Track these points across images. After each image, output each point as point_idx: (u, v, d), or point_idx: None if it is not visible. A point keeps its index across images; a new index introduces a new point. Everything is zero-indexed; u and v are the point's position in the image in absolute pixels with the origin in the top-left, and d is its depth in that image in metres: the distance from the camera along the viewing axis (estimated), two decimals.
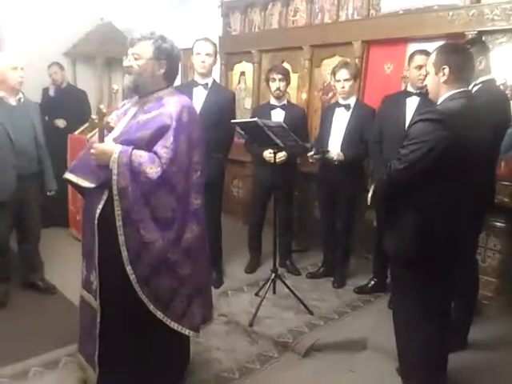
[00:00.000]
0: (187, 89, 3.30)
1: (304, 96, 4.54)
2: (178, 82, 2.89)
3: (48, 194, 3.34)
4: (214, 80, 3.48)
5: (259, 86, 4.97)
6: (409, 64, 3.13)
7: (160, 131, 1.97)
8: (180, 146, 1.99)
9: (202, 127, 2.18)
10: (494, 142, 2.27)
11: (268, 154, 3.41)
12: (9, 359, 2.49)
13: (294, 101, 4.44)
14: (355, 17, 4.10)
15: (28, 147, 3.12)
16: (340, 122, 3.46)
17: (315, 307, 3.24)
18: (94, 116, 2.08)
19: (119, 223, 1.93)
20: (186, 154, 2.02)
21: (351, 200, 3.52)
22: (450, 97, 1.99)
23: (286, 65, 4.47)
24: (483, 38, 3.15)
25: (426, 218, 1.97)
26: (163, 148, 1.95)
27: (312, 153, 3.37)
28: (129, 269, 1.95)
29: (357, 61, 3.99)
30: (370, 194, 2.20)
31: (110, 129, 2.09)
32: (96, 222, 2.03)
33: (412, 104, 3.09)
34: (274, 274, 3.28)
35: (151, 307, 2.00)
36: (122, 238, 1.94)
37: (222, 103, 3.36)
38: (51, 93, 5.00)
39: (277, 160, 3.29)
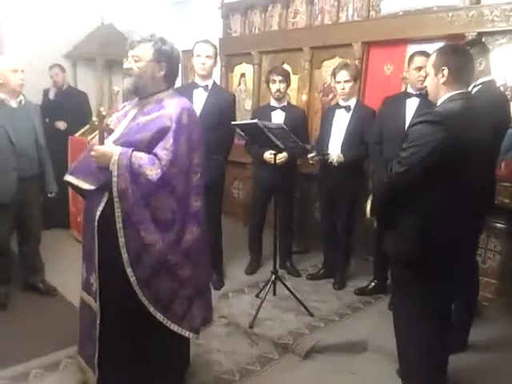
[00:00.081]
0: (187, 90, 3.31)
1: (304, 97, 4.55)
2: (178, 83, 2.90)
3: (49, 195, 3.35)
4: (214, 82, 3.48)
5: (259, 87, 4.97)
6: (408, 65, 3.13)
7: (160, 133, 1.98)
8: (180, 148, 1.99)
9: (202, 129, 2.19)
10: (493, 143, 2.27)
11: (268, 155, 3.41)
12: (9, 361, 2.50)
13: (294, 102, 4.44)
14: (355, 18, 4.10)
15: (29, 149, 3.12)
16: (340, 124, 3.46)
17: (315, 309, 3.24)
18: (94, 118, 2.08)
19: (119, 225, 1.94)
20: (186, 156, 2.02)
21: (352, 201, 3.52)
22: (450, 98, 1.99)
23: (286, 66, 4.47)
24: (483, 39, 3.15)
25: (426, 220, 1.97)
26: (163, 150, 1.95)
27: (312, 154, 3.37)
28: (129, 271, 1.95)
29: (357, 62, 3.99)
30: (368, 207, 2.18)
31: (110, 131, 2.09)
32: (96, 224, 2.04)
33: (412, 105, 3.09)
34: (274, 276, 3.28)
35: (151, 309, 2.01)
36: (122, 240, 1.94)
37: (223, 105, 3.37)
38: (51, 96, 4.99)
39: (277, 161, 3.29)
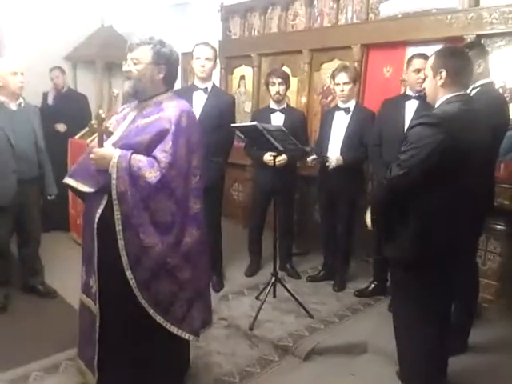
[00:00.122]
0: (187, 93, 3.31)
1: (303, 100, 4.55)
2: (177, 86, 2.91)
3: (48, 198, 3.35)
4: (213, 84, 3.49)
5: (259, 89, 4.97)
6: (407, 67, 3.14)
7: (159, 135, 1.98)
8: (179, 151, 1.99)
9: (202, 131, 2.19)
10: (492, 145, 2.27)
11: (268, 156, 3.42)
12: (9, 364, 2.49)
13: (293, 104, 4.44)
14: (354, 20, 4.11)
15: (28, 152, 3.13)
16: (340, 126, 3.46)
17: (315, 311, 3.23)
18: (93, 121, 2.08)
19: (119, 228, 1.94)
20: (185, 159, 2.03)
21: (351, 203, 3.52)
22: (448, 100, 2.00)
23: (285, 68, 4.47)
24: (482, 42, 3.16)
25: (425, 222, 1.97)
26: (162, 152, 1.96)
27: (312, 158, 3.38)
28: (129, 273, 1.95)
29: (356, 64, 3.99)
30: (368, 218, 2.17)
31: (109, 134, 2.10)
32: (95, 226, 2.04)
33: (411, 107, 3.10)
34: (274, 278, 3.28)
35: (151, 312, 2.01)
36: (121, 243, 1.94)
37: (222, 107, 3.37)
38: (50, 100, 4.96)
39: (276, 163, 3.30)
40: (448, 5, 3.43)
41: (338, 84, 3.40)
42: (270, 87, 3.66)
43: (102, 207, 2.03)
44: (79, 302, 2.31)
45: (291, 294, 3.26)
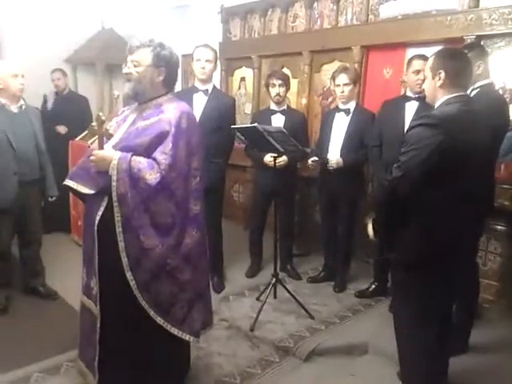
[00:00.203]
0: (187, 95, 3.32)
1: (304, 101, 4.56)
2: (178, 87, 2.92)
3: (49, 199, 3.36)
4: (214, 86, 3.50)
5: (259, 91, 4.98)
6: (407, 69, 3.14)
7: (159, 137, 1.99)
8: (179, 152, 2.00)
9: (202, 133, 2.20)
10: (492, 146, 2.27)
11: (269, 157, 3.42)
12: (10, 365, 2.50)
13: (293, 106, 4.45)
14: (354, 22, 4.12)
15: (29, 154, 3.14)
16: (340, 127, 3.47)
17: (316, 311, 3.24)
18: (93, 123, 2.09)
19: (119, 229, 1.94)
20: (185, 160, 2.03)
21: (352, 204, 3.53)
22: (447, 101, 2.00)
23: (285, 70, 4.48)
24: (482, 43, 3.16)
25: (426, 223, 1.97)
26: (162, 154, 1.96)
27: (312, 160, 3.38)
28: (129, 275, 1.96)
29: (356, 66, 4.00)
30: (369, 229, 2.16)
31: (110, 136, 2.10)
32: (96, 228, 2.05)
33: (411, 108, 3.10)
34: (274, 279, 3.28)
35: (151, 313, 2.01)
36: (121, 245, 1.95)
37: (222, 109, 3.38)
38: (49, 104, 4.95)
39: (277, 164, 3.30)
40: (448, 6, 3.43)
41: (338, 85, 3.41)
42: (271, 89, 3.66)
43: (102, 209, 2.04)
44: (80, 304, 2.31)
45: (292, 294, 3.26)
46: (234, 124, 3.44)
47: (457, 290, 2.22)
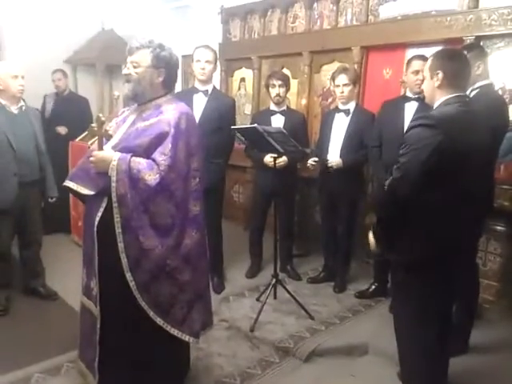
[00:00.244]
0: (187, 95, 3.33)
1: (304, 101, 4.56)
2: (178, 88, 2.93)
3: (49, 200, 3.36)
4: (214, 86, 3.50)
5: (259, 91, 4.99)
6: (406, 69, 3.15)
7: (158, 138, 1.99)
8: (178, 153, 2.00)
9: (202, 133, 2.20)
10: (492, 146, 2.27)
11: (269, 158, 3.42)
12: (11, 366, 2.50)
13: (293, 106, 4.46)
14: (354, 23, 4.12)
15: (30, 155, 3.14)
16: (340, 128, 3.47)
17: (316, 312, 3.24)
18: (92, 124, 2.09)
19: (118, 230, 1.95)
20: (185, 161, 2.04)
21: (352, 204, 3.53)
22: (446, 101, 2.00)
23: (285, 71, 4.49)
24: (481, 43, 3.17)
25: (426, 224, 1.97)
26: (161, 155, 1.97)
27: (312, 160, 3.38)
28: (128, 275, 1.96)
29: (356, 66, 4.00)
30: (371, 239, 2.15)
31: (109, 137, 2.10)
32: (95, 229, 2.05)
33: (410, 109, 3.10)
34: (274, 279, 3.29)
35: (151, 314, 2.01)
36: (121, 245, 1.95)
37: (222, 110, 3.38)
38: (49, 106, 4.94)
39: (276, 165, 3.30)
40: (447, 7, 3.44)
41: (338, 86, 3.41)
42: (270, 89, 3.67)
43: (101, 210, 2.04)
44: (80, 304, 2.31)
45: (292, 295, 3.26)
46: (234, 125, 3.44)
47: (457, 290, 2.22)
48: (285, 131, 2.99)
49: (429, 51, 2.80)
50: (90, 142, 4.05)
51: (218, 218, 3.58)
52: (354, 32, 4.05)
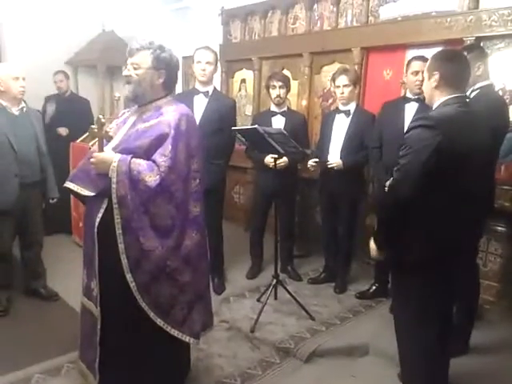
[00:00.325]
0: (188, 97, 3.33)
1: (304, 102, 4.57)
2: (179, 89, 2.93)
3: (50, 201, 3.36)
4: (214, 88, 3.50)
5: (260, 92, 5.00)
6: (406, 70, 3.15)
7: (158, 140, 1.99)
8: (178, 154, 2.00)
9: (202, 135, 2.20)
10: (492, 147, 2.27)
11: (269, 159, 3.43)
12: (11, 366, 2.51)
13: (294, 107, 4.46)
14: (354, 24, 4.12)
15: (31, 156, 3.15)
16: (340, 128, 3.47)
17: (317, 313, 3.24)
18: (93, 125, 2.09)
19: (119, 231, 1.95)
20: (185, 162, 2.04)
21: (352, 205, 3.53)
22: (445, 102, 2.00)
23: (286, 72, 4.50)
24: (481, 44, 3.17)
25: (427, 224, 1.97)
26: (162, 156, 1.97)
27: (312, 161, 3.39)
28: (129, 276, 1.96)
29: (356, 67, 4.00)
30: (372, 247, 2.15)
31: (110, 138, 2.11)
32: (96, 230, 2.05)
33: (411, 110, 3.11)
34: (275, 280, 3.29)
35: (151, 314, 2.02)
36: (121, 246, 1.95)
37: (223, 111, 3.39)
38: (49, 110, 4.94)
39: (277, 166, 3.30)
40: (447, 8, 3.44)
41: (339, 86, 3.41)
42: (271, 90, 3.67)
43: (102, 211, 2.04)
44: (80, 305, 2.32)
45: (292, 296, 3.27)
46: (235, 126, 3.45)
47: (457, 290, 2.22)
48: (285, 132, 2.99)
49: (429, 52, 2.80)
50: (90, 144, 4.05)
51: (218, 218, 3.59)
52: (355, 33, 4.06)
